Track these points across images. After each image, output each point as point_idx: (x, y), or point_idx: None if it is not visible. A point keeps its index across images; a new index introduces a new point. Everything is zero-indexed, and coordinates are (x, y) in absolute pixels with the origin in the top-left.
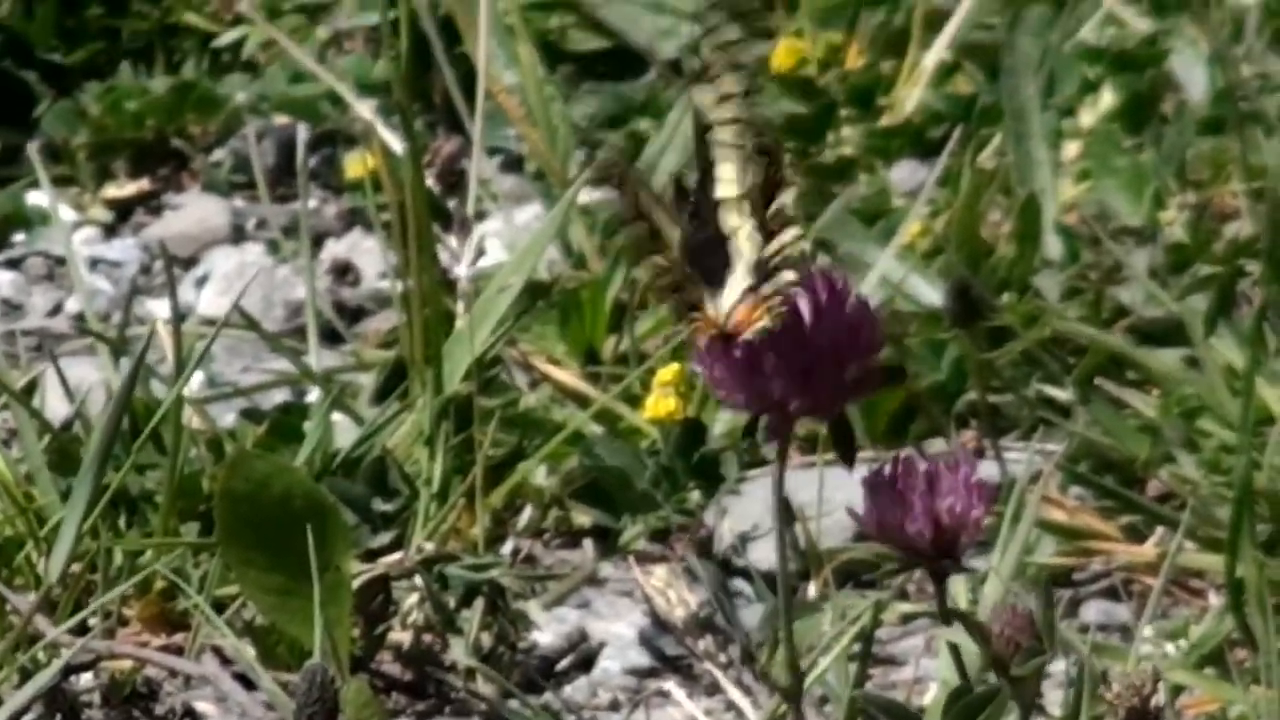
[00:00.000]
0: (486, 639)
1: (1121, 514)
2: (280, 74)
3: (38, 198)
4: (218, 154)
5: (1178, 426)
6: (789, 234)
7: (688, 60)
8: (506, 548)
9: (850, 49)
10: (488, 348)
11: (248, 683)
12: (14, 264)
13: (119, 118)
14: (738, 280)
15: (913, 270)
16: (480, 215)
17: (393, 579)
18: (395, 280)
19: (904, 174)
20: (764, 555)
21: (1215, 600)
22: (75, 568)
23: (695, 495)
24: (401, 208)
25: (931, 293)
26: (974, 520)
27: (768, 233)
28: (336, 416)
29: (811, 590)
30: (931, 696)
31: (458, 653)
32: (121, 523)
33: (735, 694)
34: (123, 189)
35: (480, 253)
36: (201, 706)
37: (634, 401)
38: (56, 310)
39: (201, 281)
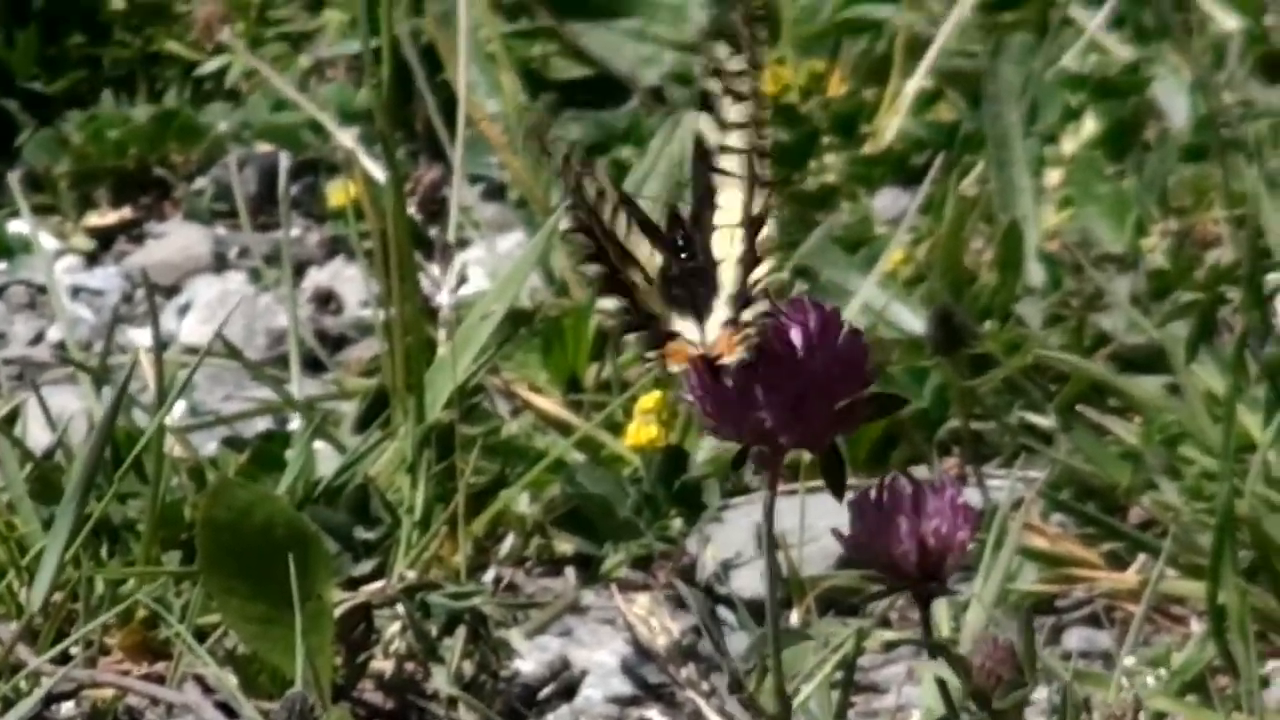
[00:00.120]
0: (469, 667)
1: (1103, 541)
2: (262, 102)
3: (19, 226)
4: (200, 182)
5: (1159, 453)
6: (764, 267)
7: (669, 89)
8: (488, 576)
9: (832, 77)
10: (470, 376)
11: (230, 711)
12: None
13: (101, 146)
14: (719, 310)
15: (895, 298)
16: (462, 243)
17: (375, 607)
18: (377, 308)
19: (886, 201)
20: (747, 583)
21: (1197, 627)
22: (57, 596)
23: (677, 523)
24: (383, 236)
25: (914, 320)
26: (960, 542)
27: (751, 263)
28: (318, 445)
29: (794, 618)
30: None
31: (440, 681)
32: (103, 551)
33: None
34: (105, 217)
35: (462, 280)
36: None
37: (616, 429)
38: (38, 339)
39: (183, 310)
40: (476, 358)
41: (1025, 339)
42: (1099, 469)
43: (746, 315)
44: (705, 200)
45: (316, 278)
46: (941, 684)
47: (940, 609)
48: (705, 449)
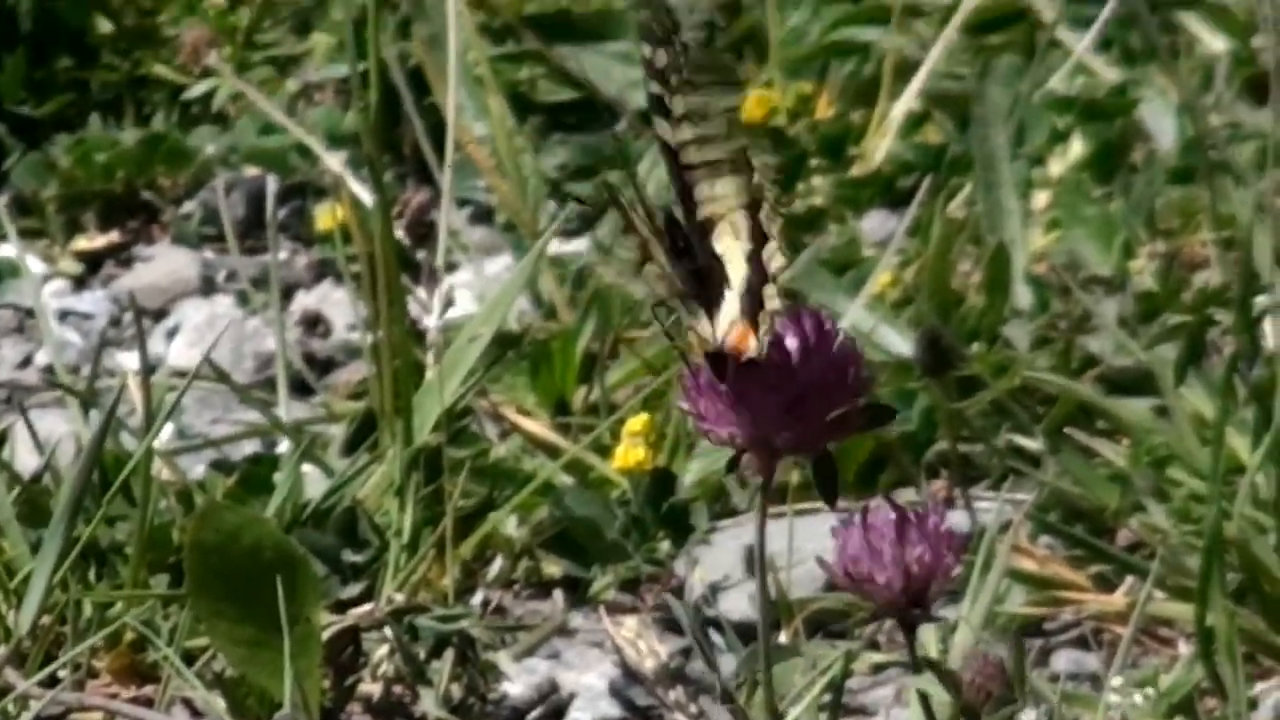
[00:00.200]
0: (457, 690)
1: (1091, 563)
2: (250, 126)
3: (7, 250)
4: (187, 206)
5: (1147, 476)
6: (776, 262)
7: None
8: (476, 598)
9: (820, 99)
10: (458, 399)
11: None
12: None
13: (88, 170)
14: (731, 304)
15: (883, 320)
16: (450, 266)
17: (363, 630)
18: (365, 331)
19: (874, 224)
20: (735, 605)
21: (1185, 649)
22: (45, 620)
23: (665, 545)
24: (371, 259)
25: (901, 342)
26: (944, 569)
27: (758, 256)
28: (306, 468)
29: (783, 640)
30: None
31: (428, 704)
32: (91, 575)
33: None
34: (92, 241)
35: (450, 304)
36: None
37: (604, 452)
38: (26, 362)
39: (171, 333)
40: (464, 380)
41: (1013, 361)
42: (1087, 491)
43: (769, 302)
44: (687, 199)
45: (304, 301)
46: (924, 698)
47: (928, 631)
48: (693, 471)
